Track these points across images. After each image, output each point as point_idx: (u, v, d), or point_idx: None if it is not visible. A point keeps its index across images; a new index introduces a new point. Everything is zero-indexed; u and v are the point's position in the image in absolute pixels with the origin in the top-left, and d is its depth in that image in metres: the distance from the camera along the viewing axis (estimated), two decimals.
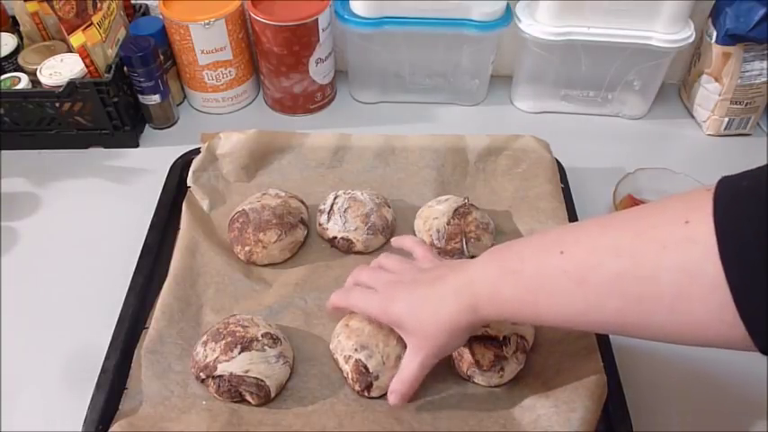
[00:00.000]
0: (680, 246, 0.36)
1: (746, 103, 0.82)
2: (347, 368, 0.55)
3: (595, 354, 0.56)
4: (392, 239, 0.64)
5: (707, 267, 0.34)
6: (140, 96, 0.82)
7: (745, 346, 0.35)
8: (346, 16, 0.80)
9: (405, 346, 0.55)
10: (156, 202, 0.71)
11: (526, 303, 0.46)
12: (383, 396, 0.55)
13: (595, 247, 0.42)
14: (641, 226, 0.40)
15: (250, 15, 0.79)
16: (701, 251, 0.35)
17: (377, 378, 0.54)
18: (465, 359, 0.56)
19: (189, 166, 0.73)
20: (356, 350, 0.55)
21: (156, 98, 0.82)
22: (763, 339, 0.34)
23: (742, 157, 0.82)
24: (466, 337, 0.51)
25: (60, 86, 0.76)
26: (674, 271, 0.36)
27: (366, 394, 0.55)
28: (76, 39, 0.74)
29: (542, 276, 0.44)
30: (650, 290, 0.38)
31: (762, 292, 0.33)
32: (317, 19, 0.78)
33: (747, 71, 0.79)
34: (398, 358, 0.55)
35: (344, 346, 0.56)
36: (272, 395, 0.55)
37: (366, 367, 0.54)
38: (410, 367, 0.52)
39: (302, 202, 0.70)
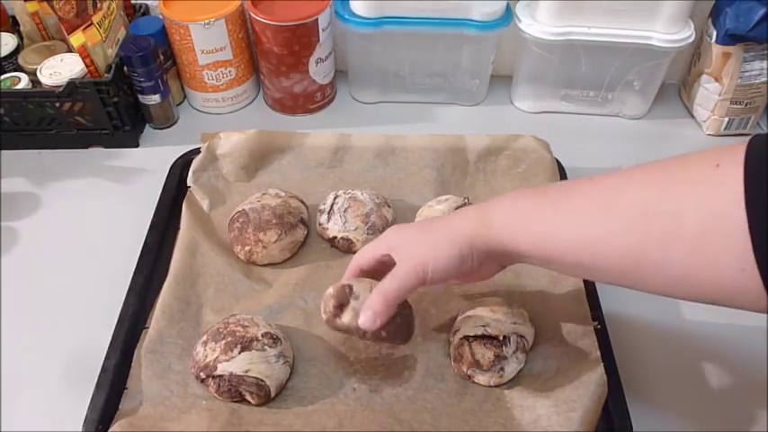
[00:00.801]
0: (709, 187, 0.36)
1: (746, 103, 0.82)
2: (330, 292, 0.52)
3: (595, 354, 0.56)
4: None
5: (732, 211, 0.34)
6: (140, 96, 0.82)
7: (758, 302, 0.35)
8: (346, 16, 0.80)
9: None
10: (156, 202, 0.71)
11: (544, 214, 0.44)
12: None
13: (626, 180, 0.42)
14: (674, 165, 0.40)
15: (250, 15, 0.79)
16: (727, 195, 0.35)
17: (357, 298, 0.51)
18: (465, 359, 0.56)
19: (189, 166, 0.73)
20: (343, 287, 0.52)
21: (156, 98, 0.82)
22: None
23: None
24: (466, 253, 0.47)
25: (60, 86, 0.76)
26: (699, 210, 0.36)
27: (338, 318, 0.51)
28: (76, 39, 0.74)
29: (568, 195, 0.44)
30: (674, 225, 0.37)
31: None
32: (316, 19, 0.78)
33: (747, 71, 0.79)
34: None
35: (328, 291, 0.53)
36: (273, 395, 0.55)
37: (351, 288, 0.51)
38: (391, 278, 0.48)
39: (302, 202, 0.70)
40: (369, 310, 0.49)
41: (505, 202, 0.48)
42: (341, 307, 0.51)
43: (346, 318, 0.51)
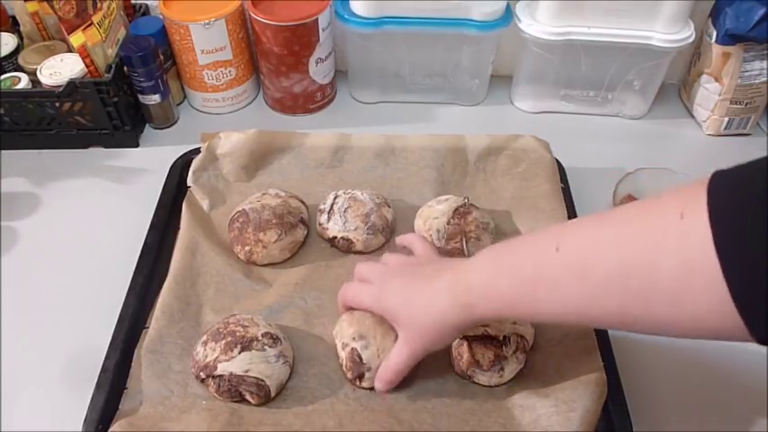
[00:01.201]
0: (678, 237, 0.36)
1: (746, 103, 0.82)
2: (343, 355, 0.56)
3: (595, 354, 0.56)
4: (396, 238, 0.65)
5: (704, 260, 0.34)
6: (140, 96, 0.82)
7: (744, 338, 0.35)
8: (346, 16, 0.80)
9: None
10: (156, 201, 0.71)
11: (524, 298, 0.45)
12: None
13: (595, 240, 0.42)
14: (639, 220, 0.40)
15: (250, 15, 0.79)
16: (697, 243, 0.35)
17: (369, 369, 0.55)
18: (465, 359, 0.56)
19: (189, 166, 0.73)
20: (354, 339, 0.56)
21: (156, 98, 0.82)
22: (761, 331, 0.34)
23: (742, 156, 0.80)
24: (456, 335, 0.52)
25: (60, 86, 0.76)
26: (673, 264, 0.36)
27: (357, 383, 0.56)
28: (76, 38, 0.74)
29: (542, 270, 0.44)
30: (651, 280, 0.37)
31: (757, 284, 0.33)
32: (316, 19, 0.78)
33: (747, 71, 0.79)
34: None
35: (345, 332, 0.57)
36: (272, 395, 0.55)
37: (360, 357, 0.55)
38: (398, 358, 0.53)
39: (302, 202, 0.70)
40: (382, 383, 0.54)
41: (482, 286, 0.48)
42: (359, 378, 0.56)
43: (366, 383, 0.56)
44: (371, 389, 0.56)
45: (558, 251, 0.43)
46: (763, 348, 0.59)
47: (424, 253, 0.58)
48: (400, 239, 0.64)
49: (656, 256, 0.37)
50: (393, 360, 0.53)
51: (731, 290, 0.34)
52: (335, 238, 0.67)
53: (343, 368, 0.56)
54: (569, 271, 0.42)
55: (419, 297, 0.51)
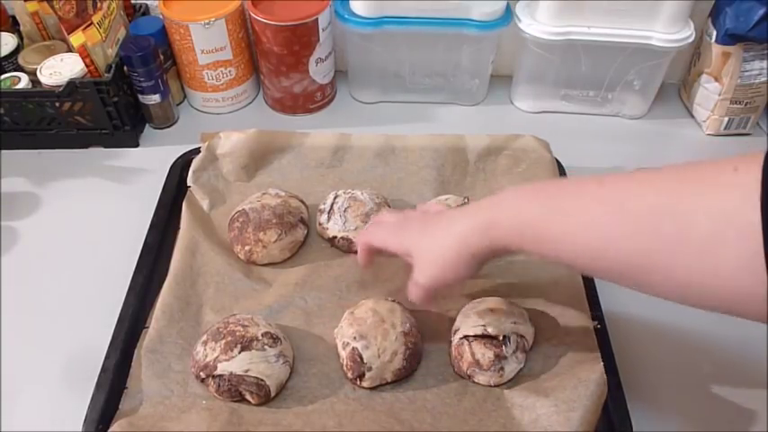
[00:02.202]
0: (724, 189, 0.36)
1: (746, 103, 0.82)
2: (344, 354, 0.56)
3: (595, 354, 0.56)
4: (417, 204, 0.65)
5: (746, 212, 0.34)
6: (140, 96, 0.82)
7: (761, 309, 0.34)
8: (346, 16, 0.80)
9: (404, 342, 0.56)
10: (156, 201, 0.71)
11: (552, 222, 0.44)
12: (380, 389, 0.56)
13: (637, 182, 0.41)
14: (689, 169, 0.40)
15: (250, 15, 0.79)
16: (743, 195, 0.34)
17: (369, 369, 0.55)
18: (465, 358, 0.56)
19: (189, 166, 0.73)
20: (355, 338, 0.56)
21: (156, 98, 0.82)
22: None
23: None
24: (472, 266, 0.49)
25: (60, 86, 0.76)
26: (712, 211, 0.36)
27: (358, 383, 0.56)
28: (76, 38, 0.74)
29: (578, 199, 0.43)
30: (685, 228, 0.37)
31: None
32: (316, 19, 0.78)
33: (747, 71, 0.79)
34: (394, 353, 0.55)
35: (345, 332, 0.57)
36: (272, 394, 0.55)
37: (361, 357, 0.55)
38: (414, 289, 0.52)
39: (302, 202, 0.70)
40: (414, 297, 0.54)
41: (510, 208, 0.47)
42: (360, 377, 0.55)
43: (366, 383, 0.56)
44: (372, 389, 0.56)
45: (600, 185, 0.42)
46: (763, 349, 0.59)
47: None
48: (420, 204, 0.63)
49: (697, 201, 0.37)
50: (412, 289, 0.53)
51: (766, 244, 0.33)
52: (335, 237, 0.67)
53: (344, 368, 0.56)
54: (606, 203, 0.41)
55: (439, 225, 0.50)
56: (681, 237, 0.37)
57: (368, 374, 0.55)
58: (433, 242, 0.50)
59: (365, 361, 0.55)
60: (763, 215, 0.33)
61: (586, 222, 0.42)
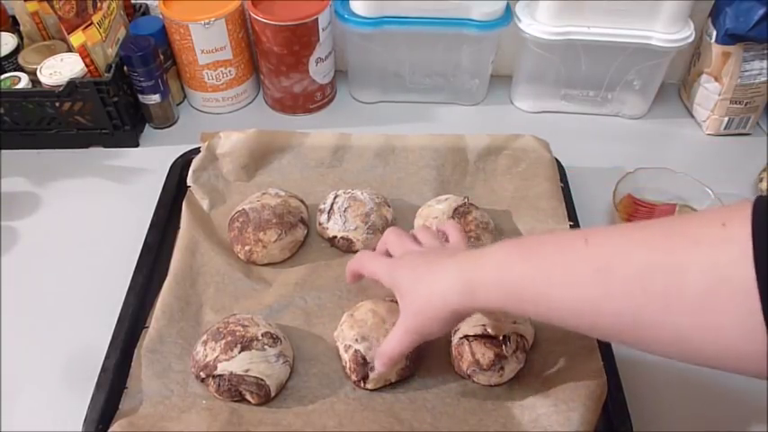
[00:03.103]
0: (714, 244, 0.35)
1: (746, 103, 0.82)
2: (346, 357, 0.56)
3: (595, 353, 0.56)
4: (439, 225, 0.63)
5: (739, 269, 0.33)
6: (140, 96, 0.82)
7: (759, 366, 0.33)
8: (346, 16, 0.80)
9: None
10: (156, 201, 0.71)
11: (536, 285, 0.42)
12: (380, 389, 0.56)
13: (624, 239, 0.40)
14: (675, 226, 0.39)
15: (250, 15, 0.79)
16: (735, 252, 0.34)
17: (373, 370, 0.55)
18: (465, 358, 0.56)
19: (189, 166, 0.73)
20: (356, 341, 0.56)
21: (155, 98, 0.82)
22: None
23: (742, 156, 0.82)
24: (453, 322, 0.49)
25: (60, 86, 0.76)
26: (704, 268, 0.35)
27: (362, 385, 0.56)
28: (76, 38, 0.74)
29: (562, 260, 0.41)
30: (676, 283, 0.36)
31: None
32: (316, 19, 0.78)
33: (747, 71, 0.79)
34: None
35: (346, 335, 0.57)
36: (273, 394, 0.55)
37: (364, 358, 0.55)
38: (394, 336, 0.51)
39: (302, 202, 0.70)
40: (380, 361, 0.53)
41: (493, 268, 0.45)
42: (363, 379, 0.55)
43: (370, 384, 0.56)
44: (378, 391, 0.56)
45: (586, 243, 0.41)
46: None
47: (456, 243, 0.57)
48: (440, 226, 0.62)
49: (686, 258, 0.35)
50: (390, 338, 0.52)
51: (763, 304, 0.32)
52: (335, 237, 0.67)
53: (347, 370, 0.56)
54: (591, 263, 0.39)
55: (428, 275, 0.49)
56: (673, 293, 0.36)
57: (372, 375, 0.55)
58: (419, 292, 0.49)
59: (369, 362, 0.55)
60: (757, 271, 0.32)
61: (572, 284, 0.41)
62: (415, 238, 0.57)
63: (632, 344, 0.41)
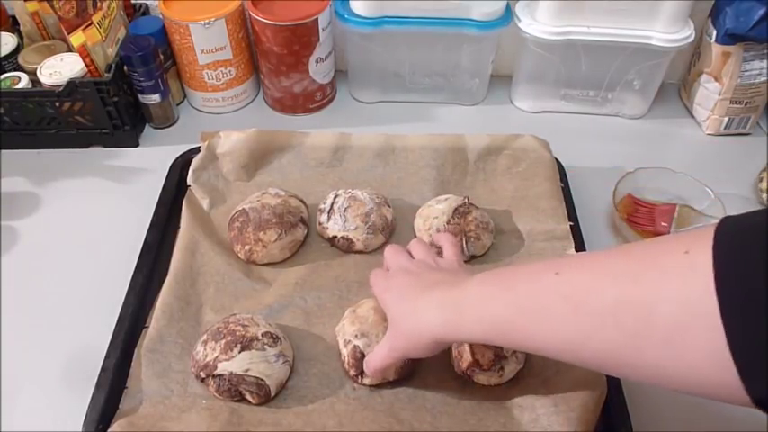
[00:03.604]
0: (678, 275, 0.35)
1: (746, 103, 0.82)
2: (345, 352, 0.56)
3: None
4: (434, 235, 0.65)
5: (704, 302, 0.33)
6: (140, 96, 0.82)
7: (740, 397, 0.33)
8: (346, 16, 0.80)
9: None
10: (156, 201, 0.71)
11: (516, 323, 0.44)
12: (380, 389, 0.56)
13: (593, 272, 0.40)
14: (643, 252, 0.39)
15: (250, 15, 0.79)
16: (698, 283, 0.33)
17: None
18: (465, 358, 0.56)
19: (189, 166, 0.73)
20: (356, 336, 0.56)
21: (155, 98, 0.82)
22: (758, 388, 0.32)
23: (741, 156, 0.82)
24: (436, 349, 0.50)
25: (60, 86, 0.76)
26: (671, 302, 0.35)
27: (359, 380, 0.56)
28: (76, 38, 0.74)
29: (536, 296, 0.42)
30: (645, 319, 0.36)
31: (757, 333, 0.31)
32: (316, 18, 0.78)
33: (747, 71, 0.79)
34: None
35: (347, 330, 0.57)
36: (273, 394, 0.55)
37: (363, 354, 0.55)
38: (381, 351, 0.53)
39: (302, 202, 0.70)
40: (368, 371, 0.55)
41: (473, 306, 0.46)
42: (361, 374, 0.56)
43: (368, 380, 0.56)
44: (374, 386, 0.56)
45: (557, 275, 0.41)
46: None
47: (449, 258, 0.58)
48: (435, 236, 0.63)
49: (654, 292, 0.36)
50: (375, 353, 0.54)
51: (728, 336, 0.32)
52: (335, 237, 0.67)
53: (345, 365, 0.56)
54: (565, 301, 0.40)
55: (413, 302, 0.50)
56: (642, 330, 0.36)
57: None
58: (405, 319, 0.51)
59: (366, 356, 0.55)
60: (720, 303, 0.32)
61: (550, 323, 0.41)
62: (410, 253, 0.58)
63: (617, 375, 0.42)
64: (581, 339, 0.40)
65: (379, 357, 0.53)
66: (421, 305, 0.50)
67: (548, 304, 0.42)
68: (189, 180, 0.72)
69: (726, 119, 0.84)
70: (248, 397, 0.54)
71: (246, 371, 0.54)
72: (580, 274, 0.41)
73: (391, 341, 0.52)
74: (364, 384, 0.56)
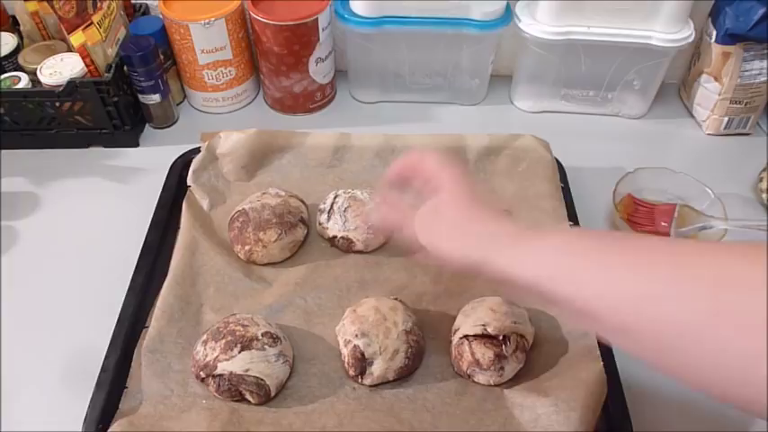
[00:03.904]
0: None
1: (746, 103, 0.82)
2: (345, 352, 0.56)
3: (595, 354, 0.56)
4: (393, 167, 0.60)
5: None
6: (140, 96, 0.82)
7: None
8: (346, 16, 0.80)
9: (405, 341, 0.56)
10: (156, 201, 0.71)
11: (602, 263, 0.39)
12: (380, 388, 0.56)
13: (703, 244, 0.38)
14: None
15: (250, 15, 0.79)
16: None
17: (371, 365, 0.55)
18: (465, 358, 0.56)
19: (189, 166, 0.73)
20: (356, 336, 0.56)
21: (156, 98, 0.82)
22: None
23: (741, 156, 0.82)
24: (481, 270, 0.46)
25: (60, 86, 0.76)
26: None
27: (359, 380, 0.56)
28: (77, 38, 0.74)
29: (634, 245, 0.39)
30: (743, 300, 0.32)
31: None
32: (317, 18, 0.78)
33: (747, 70, 0.79)
34: (395, 352, 0.55)
35: (347, 330, 0.57)
36: (272, 394, 0.55)
37: (363, 354, 0.55)
38: (406, 231, 0.52)
39: (302, 202, 0.70)
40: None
41: (556, 240, 0.42)
42: (361, 374, 0.56)
43: (368, 380, 0.56)
44: (374, 386, 0.56)
45: (661, 239, 0.39)
46: None
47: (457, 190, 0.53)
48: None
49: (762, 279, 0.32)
50: (397, 219, 0.53)
51: None
52: (335, 237, 0.67)
53: (346, 365, 0.56)
54: (666, 253, 0.37)
55: (474, 230, 0.47)
56: (733, 309, 0.32)
57: (369, 370, 0.55)
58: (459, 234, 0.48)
59: (367, 358, 0.55)
60: None
61: (637, 269, 0.37)
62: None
63: (666, 360, 0.37)
64: (669, 299, 0.35)
65: (399, 226, 0.51)
66: (485, 225, 0.46)
67: (647, 254, 0.37)
68: (189, 180, 0.72)
69: (726, 119, 0.84)
70: (248, 397, 0.54)
71: (246, 371, 0.54)
72: (688, 242, 0.40)
73: (435, 239, 0.48)
74: (364, 384, 0.56)
